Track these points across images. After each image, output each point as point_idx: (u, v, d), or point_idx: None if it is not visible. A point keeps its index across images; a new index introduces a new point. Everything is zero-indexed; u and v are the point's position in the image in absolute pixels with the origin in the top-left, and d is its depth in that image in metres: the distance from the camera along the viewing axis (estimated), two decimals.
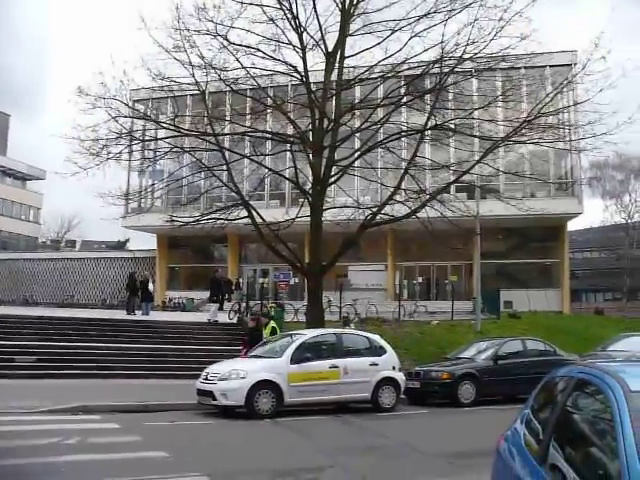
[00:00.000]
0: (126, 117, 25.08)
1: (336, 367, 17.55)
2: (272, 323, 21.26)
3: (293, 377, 16.84)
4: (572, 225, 53.78)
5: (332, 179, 25.47)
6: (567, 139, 27.00)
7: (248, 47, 24.61)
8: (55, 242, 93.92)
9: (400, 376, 19.00)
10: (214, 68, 24.39)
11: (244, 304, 33.16)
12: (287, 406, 16.67)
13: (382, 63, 25.12)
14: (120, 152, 24.92)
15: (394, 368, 18.97)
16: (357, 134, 26.94)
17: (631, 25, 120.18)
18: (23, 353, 21.39)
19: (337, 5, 25.02)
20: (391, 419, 17.25)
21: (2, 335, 22.72)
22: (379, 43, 24.61)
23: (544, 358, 21.22)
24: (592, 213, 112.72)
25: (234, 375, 16.56)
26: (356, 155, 26.19)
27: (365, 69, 25.70)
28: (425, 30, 23.93)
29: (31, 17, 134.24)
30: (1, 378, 18.76)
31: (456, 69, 24.40)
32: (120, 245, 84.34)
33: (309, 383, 16.99)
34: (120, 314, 32.43)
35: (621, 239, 74.26)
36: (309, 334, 19.00)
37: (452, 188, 28.02)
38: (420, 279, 51.75)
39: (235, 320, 30.60)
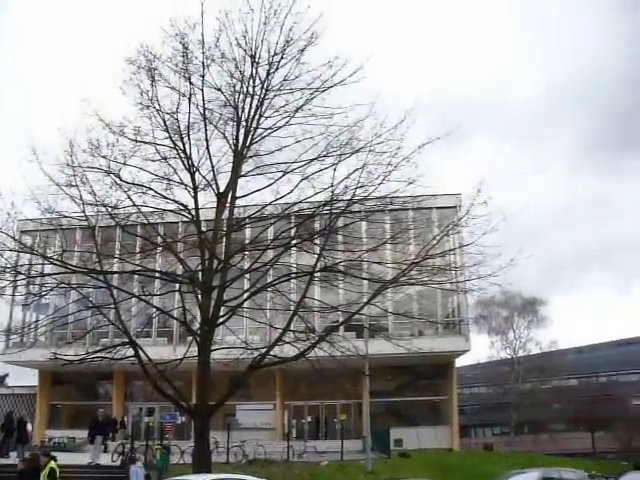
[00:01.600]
0: (12, 251, 24.48)
1: None
2: (52, 464, 18.43)
3: None
4: (460, 361, 54.66)
5: (221, 319, 25.24)
6: (454, 280, 27.66)
7: (140, 185, 24.62)
8: None
9: None
10: (105, 206, 24.25)
11: (129, 445, 31.97)
12: None
13: (273, 204, 25.53)
14: (4, 287, 24.23)
15: None
16: (247, 275, 26.96)
17: (509, 169, 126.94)
18: None
19: (230, 147, 25.45)
20: None
21: None
22: (270, 185, 25.00)
23: None
24: (479, 349, 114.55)
25: None
26: (245, 296, 26.05)
27: (256, 210, 25.97)
28: (316, 173, 24.47)
29: None
30: None
31: (345, 211, 24.94)
32: None
33: None
34: None
35: (507, 374, 75.56)
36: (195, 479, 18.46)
37: (341, 328, 28.15)
38: (309, 418, 51.09)
39: (119, 462, 29.47)
